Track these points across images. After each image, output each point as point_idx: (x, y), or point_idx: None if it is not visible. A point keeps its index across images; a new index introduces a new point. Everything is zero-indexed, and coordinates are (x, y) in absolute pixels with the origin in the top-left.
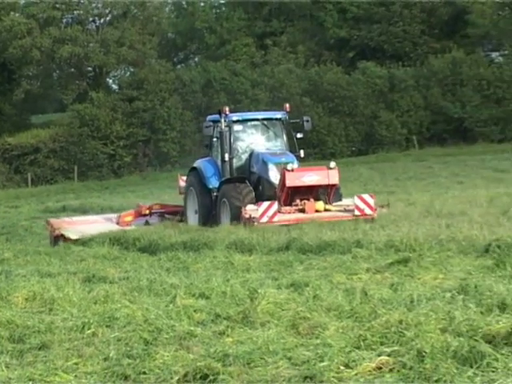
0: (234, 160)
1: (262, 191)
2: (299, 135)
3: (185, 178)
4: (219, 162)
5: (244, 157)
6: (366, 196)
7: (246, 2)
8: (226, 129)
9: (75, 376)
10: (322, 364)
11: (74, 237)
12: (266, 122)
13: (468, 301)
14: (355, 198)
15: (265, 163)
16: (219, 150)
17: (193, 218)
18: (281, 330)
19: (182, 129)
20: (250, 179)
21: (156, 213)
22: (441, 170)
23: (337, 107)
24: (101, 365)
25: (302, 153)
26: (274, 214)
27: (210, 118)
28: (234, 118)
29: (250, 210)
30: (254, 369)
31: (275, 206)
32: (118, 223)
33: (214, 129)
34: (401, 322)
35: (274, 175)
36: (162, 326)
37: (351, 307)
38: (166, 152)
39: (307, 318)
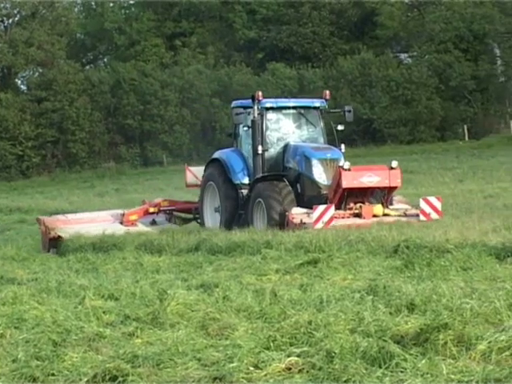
0: (266, 153)
1: (303, 191)
2: (340, 127)
3: (193, 169)
4: (247, 154)
5: (277, 149)
6: (432, 199)
7: (155, 2)
8: (258, 117)
9: None
10: (231, 365)
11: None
12: (302, 111)
13: (377, 301)
14: (421, 201)
15: (307, 158)
16: (249, 140)
17: (211, 218)
18: (190, 331)
19: (91, 129)
20: (287, 176)
21: (164, 210)
22: None
23: None
24: (9, 366)
25: (343, 147)
26: (331, 220)
27: (238, 103)
28: (268, 105)
29: (298, 213)
30: (163, 370)
31: (332, 210)
32: (122, 222)
33: (244, 116)
34: (310, 322)
35: (318, 173)
36: (71, 327)
37: (261, 308)
38: (74, 153)
39: (217, 319)
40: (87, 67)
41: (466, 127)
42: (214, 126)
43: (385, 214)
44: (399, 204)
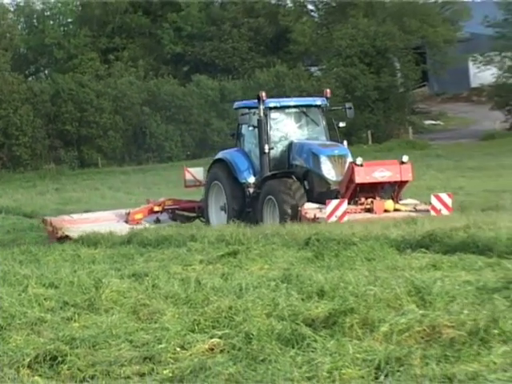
0: (271, 151)
1: (311, 187)
2: (341, 124)
3: (192, 170)
4: (252, 154)
5: (281, 147)
6: (443, 195)
7: (91, 20)
8: (263, 117)
9: None
10: (160, 346)
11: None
12: (304, 109)
13: (290, 288)
14: (432, 197)
15: (315, 155)
16: (252, 140)
17: (216, 216)
18: (123, 316)
19: (34, 134)
20: (295, 173)
21: (168, 209)
22: None
23: (173, 116)
24: None
25: (345, 143)
26: (344, 214)
27: (241, 104)
28: (272, 105)
29: (311, 208)
30: (98, 351)
31: (345, 205)
32: (127, 221)
33: (249, 116)
34: (231, 307)
35: (326, 169)
36: (15, 312)
37: (186, 295)
38: (18, 155)
39: (147, 305)
40: (30, 78)
41: (369, 133)
42: (144, 131)
43: (395, 209)
44: (408, 199)
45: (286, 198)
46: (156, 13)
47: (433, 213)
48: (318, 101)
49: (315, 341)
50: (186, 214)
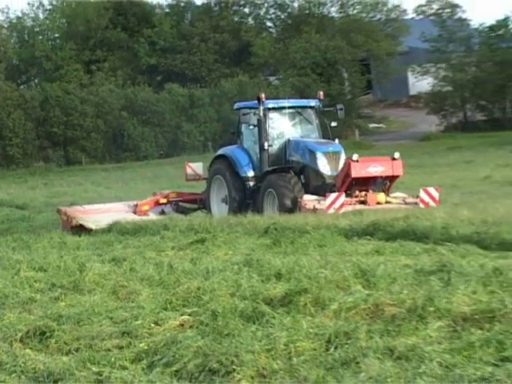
0: (270, 148)
1: (308, 181)
2: (333, 123)
3: (193, 165)
4: (251, 151)
5: (278, 144)
6: (431, 189)
7: (75, 35)
8: (263, 116)
9: None
10: (136, 322)
11: (92, 227)
12: (299, 110)
13: (251, 272)
14: (421, 191)
15: (311, 152)
16: (252, 138)
17: (217, 207)
18: (104, 296)
19: (25, 136)
20: (292, 168)
21: (172, 201)
22: None
23: (148, 119)
24: None
25: (337, 141)
26: (342, 206)
27: (241, 105)
28: (270, 106)
29: (310, 200)
30: (82, 327)
31: (343, 197)
32: (135, 212)
33: (250, 116)
34: (199, 288)
35: (322, 164)
36: (9, 293)
37: (160, 277)
38: (11, 155)
39: (125, 286)
40: (21, 87)
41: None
42: (122, 133)
43: (387, 202)
44: (397, 193)
45: (286, 191)
46: (133, 29)
47: (421, 205)
48: (312, 102)
49: (273, 317)
50: (188, 205)
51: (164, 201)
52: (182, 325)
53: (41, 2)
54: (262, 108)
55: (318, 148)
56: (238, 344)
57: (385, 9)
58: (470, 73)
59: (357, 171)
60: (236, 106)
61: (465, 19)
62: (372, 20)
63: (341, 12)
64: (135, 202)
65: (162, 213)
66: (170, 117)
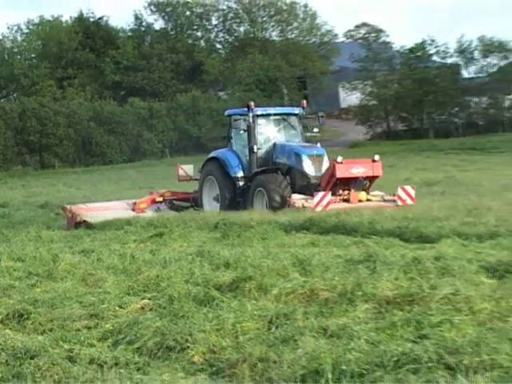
0: (258, 151)
1: (293, 181)
2: (316, 129)
3: (185, 167)
4: (241, 153)
5: (265, 148)
6: (408, 188)
7: (49, 55)
8: (252, 122)
9: None
10: (103, 306)
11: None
12: (285, 117)
13: (203, 261)
14: (398, 189)
15: (297, 155)
16: (241, 142)
17: (209, 205)
18: (74, 283)
19: (5, 143)
20: (280, 170)
21: (167, 200)
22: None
23: (113, 129)
24: None
25: (319, 145)
26: (328, 204)
27: (231, 112)
28: (259, 113)
29: (298, 199)
30: (55, 310)
31: (329, 196)
32: (134, 209)
33: (240, 122)
34: (157, 276)
35: (307, 166)
36: None
37: (123, 266)
38: None
39: (93, 274)
40: (2, 100)
41: None
42: (90, 141)
43: (367, 200)
44: (376, 191)
45: (275, 190)
46: (100, 50)
47: (399, 202)
48: (296, 110)
49: (222, 301)
50: (181, 204)
51: (160, 199)
52: (143, 308)
53: (19, 26)
54: (251, 115)
55: (304, 151)
56: (191, 324)
57: (319, 33)
58: (393, 89)
59: (341, 172)
60: (227, 112)
61: (388, 42)
62: (308, 43)
63: (281, 36)
64: (134, 201)
65: (158, 210)
66: (132, 126)
